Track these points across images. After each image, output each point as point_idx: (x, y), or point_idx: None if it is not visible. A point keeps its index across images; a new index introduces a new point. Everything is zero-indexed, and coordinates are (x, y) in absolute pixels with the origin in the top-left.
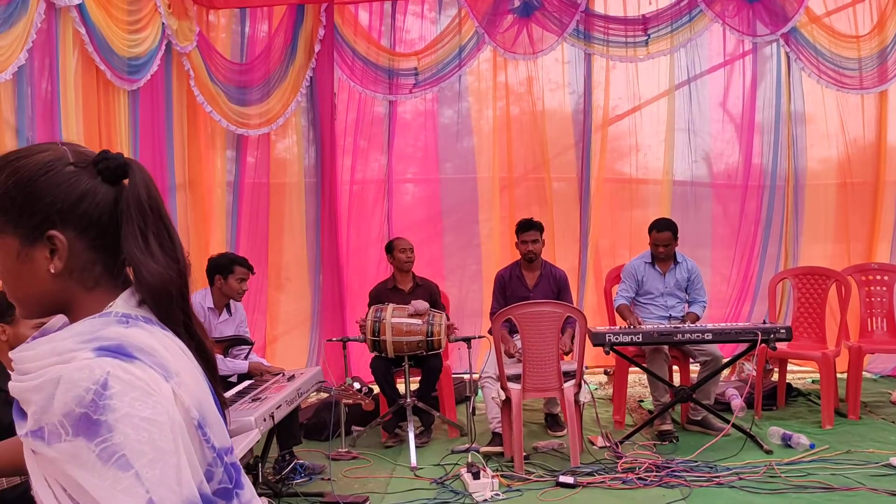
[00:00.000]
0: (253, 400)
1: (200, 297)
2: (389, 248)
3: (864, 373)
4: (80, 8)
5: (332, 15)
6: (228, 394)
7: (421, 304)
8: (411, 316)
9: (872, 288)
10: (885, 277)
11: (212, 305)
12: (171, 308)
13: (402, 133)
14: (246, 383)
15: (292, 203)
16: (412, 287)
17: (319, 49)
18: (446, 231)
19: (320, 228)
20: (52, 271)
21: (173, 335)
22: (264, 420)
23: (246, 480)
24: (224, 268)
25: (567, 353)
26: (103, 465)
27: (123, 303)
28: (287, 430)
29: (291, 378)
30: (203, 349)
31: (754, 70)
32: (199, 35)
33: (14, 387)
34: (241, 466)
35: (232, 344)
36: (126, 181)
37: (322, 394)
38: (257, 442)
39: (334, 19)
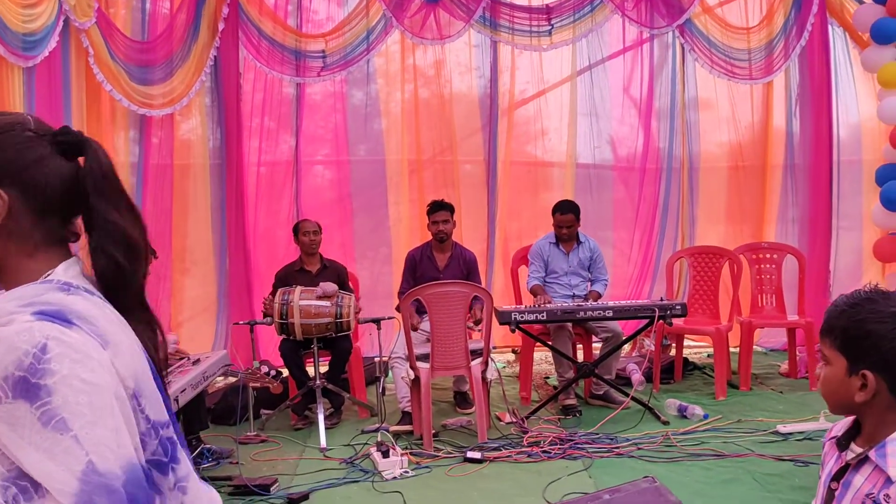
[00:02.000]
0: None
1: None
2: (295, 231)
3: (754, 346)
4: None
5: None
6: None
7: (329, 286)
8: (319, 298)
9: (763, 266)
10: (775, 256)
11: None
12: (142, 269)
13: (311, 114)
14: None
15: (197, 185)
16: (319, 269)
17: (223, 28)
18: (356, 213)
19: (226, 211)
20: None
21: (112, 308)
22: None
23: (183, 456)
24: None
25: (477, 324)
26: (42, 427)
27: (63, 271)
28: (193, 415)
29: (196, 362)
30: (154, 321)
31: (651, 58)
32: (97, 11)
33: None
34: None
35: None
36: (81, 159)
37: (230, 378)
38: None
39: None
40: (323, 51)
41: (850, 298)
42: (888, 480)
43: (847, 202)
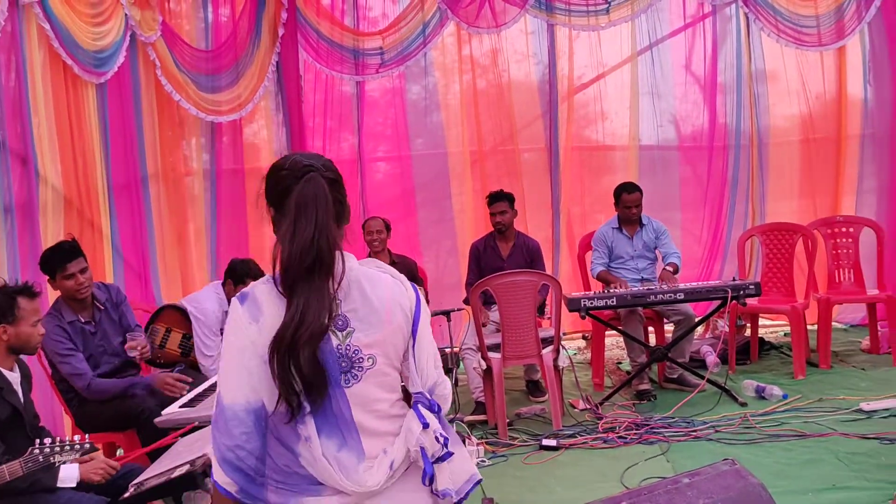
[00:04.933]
0: None
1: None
2: (363, 229)
3: (833, 323)
4: (43, 3)
5: None
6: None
7: None
8: None
9: (839, 240)
10: (851, 229)
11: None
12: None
13: (371, 111)
14: None
15: None
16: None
17: (283, 33)
18: (420, 207)
19: None
20: None
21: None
22: None
23: (310, 422)
24: (237, 275)
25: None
26: None
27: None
28: None
29: None
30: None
31: (714, 31)
32: (162, 24)
33: None
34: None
35: None
36: None
37: None
38: None
39: (296, 1)
40: (380, 48)
41: None
42: None
43: None
